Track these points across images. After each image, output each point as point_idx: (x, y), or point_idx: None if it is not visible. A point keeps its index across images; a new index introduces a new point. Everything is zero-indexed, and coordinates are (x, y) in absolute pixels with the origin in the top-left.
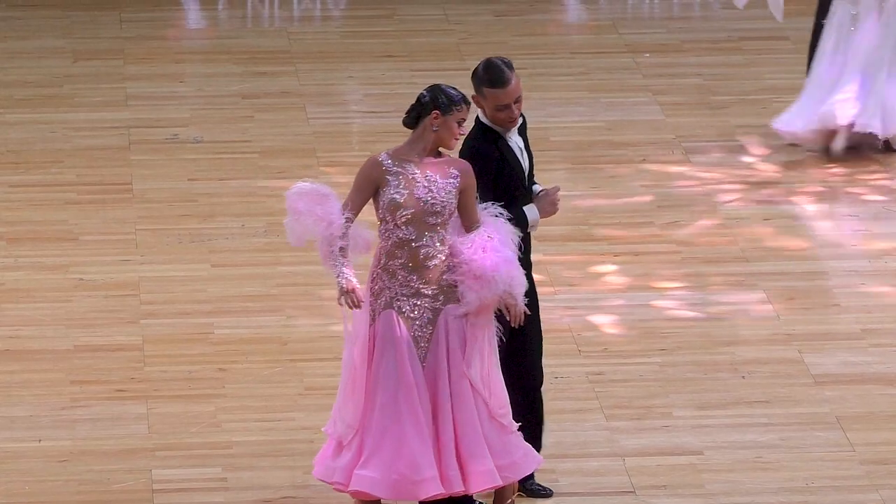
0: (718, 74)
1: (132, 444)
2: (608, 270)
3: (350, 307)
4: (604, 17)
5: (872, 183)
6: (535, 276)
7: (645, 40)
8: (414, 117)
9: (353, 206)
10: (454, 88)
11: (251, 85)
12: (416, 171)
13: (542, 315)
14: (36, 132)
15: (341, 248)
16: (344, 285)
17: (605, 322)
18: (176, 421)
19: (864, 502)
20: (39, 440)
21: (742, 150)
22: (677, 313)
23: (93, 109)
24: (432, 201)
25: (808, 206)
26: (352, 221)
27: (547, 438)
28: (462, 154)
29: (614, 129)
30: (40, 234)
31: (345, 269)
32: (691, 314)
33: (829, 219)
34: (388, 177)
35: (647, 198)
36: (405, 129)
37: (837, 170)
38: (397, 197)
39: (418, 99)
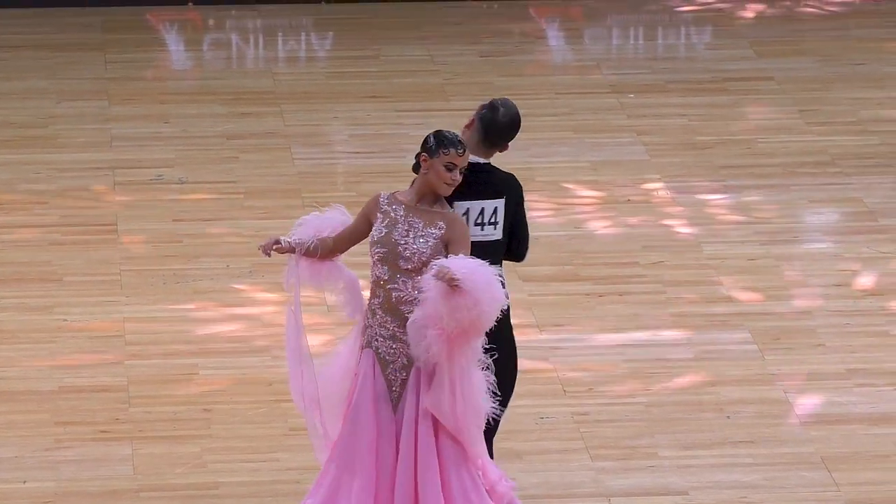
0: (703, 115)
1: (117, 486)
2: (593, 310)
3: (260, 249)
4: (588, 58)
5: (857, 223)
6: (521, 316)
7: (629, 81)
8: (415, 162)
9: (341, 232)
10: (453, 133)
11: (236, 125)
12: (401, 214)
13: (527, 353)
14: (20, 173)
15: (298, 240)
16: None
17: (590, 362)
18: (161, 462)
19: None
20: (24, 481)
21: (727, 190)
22: (662, 353)
23: (77, 150)
24: (404, 245)
25: (792, 246)
26: (324, 240)
27: (532, 479)
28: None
29: (599, 170)
30: (24, 275)
31: (291, 238)
32: (676, 354)
33: (814, 259)
34: (379, 213)
35: (633, 238)
36: (389, 170)
37: (822, 209)
38: (375, 234)
39: (423, 143)
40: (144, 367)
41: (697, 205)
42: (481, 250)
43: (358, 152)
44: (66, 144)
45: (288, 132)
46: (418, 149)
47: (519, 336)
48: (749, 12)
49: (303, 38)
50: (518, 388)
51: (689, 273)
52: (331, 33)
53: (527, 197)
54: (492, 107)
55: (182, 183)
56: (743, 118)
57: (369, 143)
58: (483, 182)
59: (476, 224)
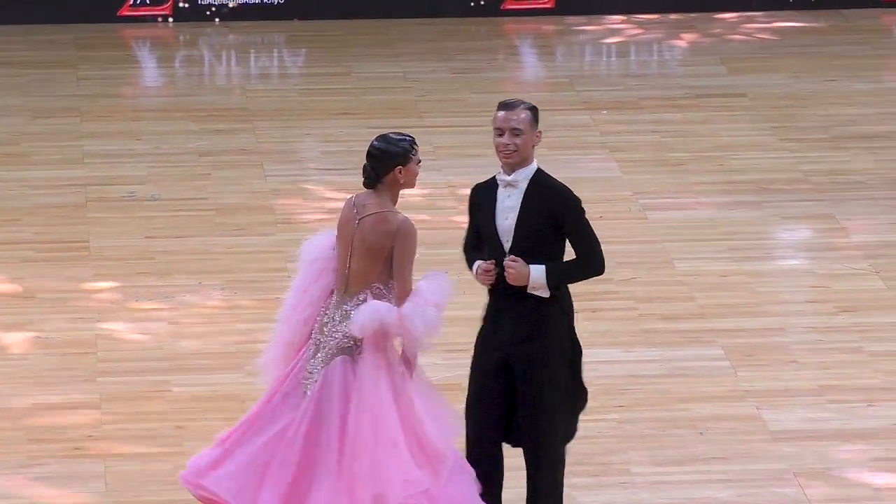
0: (676, 131)
1: (89, 503)
2: None
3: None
4: (561, 75)
5: (829, 240)
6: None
7: (602, 97)
8: (371, 177)
9: None
10: (395, 134)
11: (208, 142)
12: None
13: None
14: None
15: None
16: None
17: None
18: (134, 479)
19: None
20: None
21: (699, 206)
22: (635, 370)
23: (50, 167)
24: None
25: (765, 263)
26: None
27: (505, 495)
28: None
29: (571, 186)
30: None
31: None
32: (649, 371)
33: (787, 275)
34: None
35: (605, 255)
36: (360, 185)
37: (795, 226)
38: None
39: (371, 155)
40: (117, 383)
41: (670, 221)
42: None
43: (330, 169)
44: (39, 162)
45: (260, 149)
46: (366, 166)
47: None
48: (721, 29)
49: (275, 54)
50: None
51: (661, 289)
52: (303, 50)
53: None
54: None
55: (155, 200)
56: (715, 134)
57: (342, 160)
58: None
59: None
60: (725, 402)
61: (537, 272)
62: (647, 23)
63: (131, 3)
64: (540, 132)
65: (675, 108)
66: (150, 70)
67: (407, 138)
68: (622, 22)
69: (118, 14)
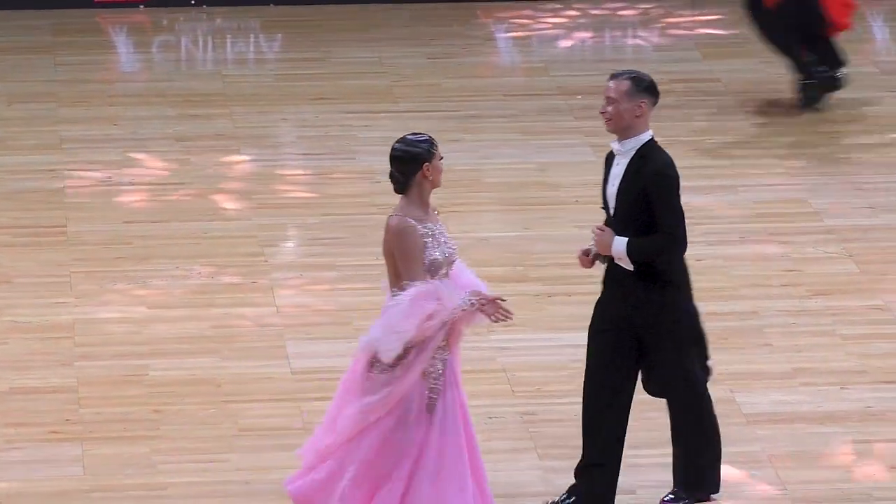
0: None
1: (67, 486)
2: (542, 311)
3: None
4: (536, 60)
5: (803, 224)
6: None
7: (577, 83)
8: (400, 181)
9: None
10: (413, 134)
11: (185, 128)
12: (435, 228)
13: (476, 354)
14: None
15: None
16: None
17: (538, 362)
18: (111, 462)
19: None
20: None
21: None
22: None
23: (27, 153)
24: (451, 252)
25: (739, 247)
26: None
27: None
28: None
29: (547, 171)
30: None
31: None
32: None
33: (761, 259)
34: (426, 239)
35: (581, 239)
36: (336, 170)
37: (768, 209)
38: (438, 255)
39: (394, 159)
40: (94, 368)
41: None
42: None
43: (306, 154)
44: (16, 147)
45: (237, 134)
46: (393, 172)
47: (468, 337)
48: (695, 15)
49: (251, 40)
50: (467, 387)
51: None
52: (279, 35)
53: (476, 199)
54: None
55: (131, 185)
56: (689, 119)
57: (318, 145)
58: None
59: None
60: None
61: (619, 243)
62: (623, 8)
63: None
64: (644, 102)
65: None
66: (126, 56)
67: (426, 137)
68: (596, 7)
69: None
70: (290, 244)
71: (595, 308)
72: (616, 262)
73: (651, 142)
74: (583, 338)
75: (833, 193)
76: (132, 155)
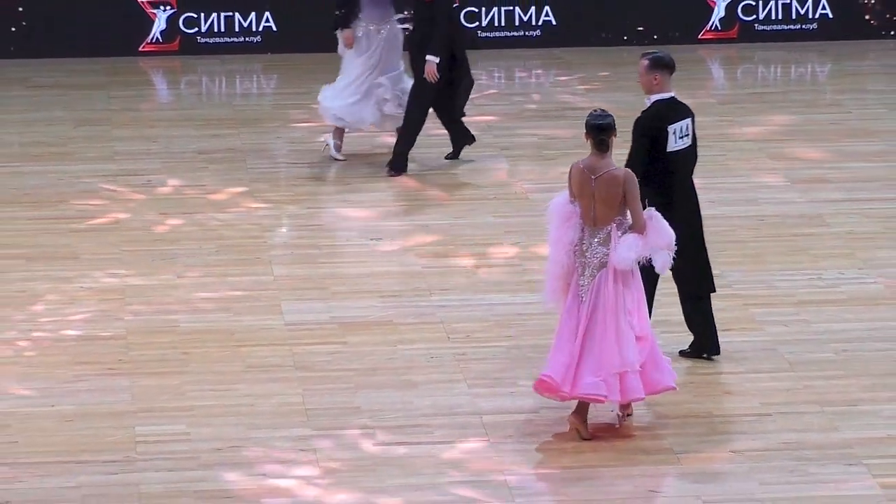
0: (551, 138)
1: (120, 408)
2: (470, 279)
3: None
4: None
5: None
6: (417, 284)
7: (494, 110)
8: (609, 144)
9: None
10: (603, 112)
11: (206, 144)
12: None
13: (420, 311)
14: (46, 179)
15: None
16: None
17: (467, 316)
18: (152, 391)
19: None
20: (52, 405)
21: None
22: (521, 310)
23: (88, 162)
24: None
25: None
26: None
27: (424, 401)
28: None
29: (521, 156)
30: (52, 254)
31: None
32: (529, 311)
33: None
34: None
35: (499, 225)
36: (317, 176)
37: None
38: None
39: (604, 129)
40: (139, 321)
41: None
42: (684, 157)
43: (295, 162)
44: (81, 158)
45: (244, 148)
46: (603, 137)
47: (414, 299)
48: (576, 56)
49: (254, 79)
50: (412, 335)
51: (542, 250)
52: (275, 75)
53: (439, 194)
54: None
55: (165, 186)
56: None
57: (304, 157)
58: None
59: (680, 137)
60: None
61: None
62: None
63: (149, 40)
64: (658, 76)
65: (546, 119)
66: (162, 90)
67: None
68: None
69: (139, 49)
70: (283, 230)
71: None
72: None
73: (658, 101)
74: (501, 298)
75: None
76: (166, 164)
